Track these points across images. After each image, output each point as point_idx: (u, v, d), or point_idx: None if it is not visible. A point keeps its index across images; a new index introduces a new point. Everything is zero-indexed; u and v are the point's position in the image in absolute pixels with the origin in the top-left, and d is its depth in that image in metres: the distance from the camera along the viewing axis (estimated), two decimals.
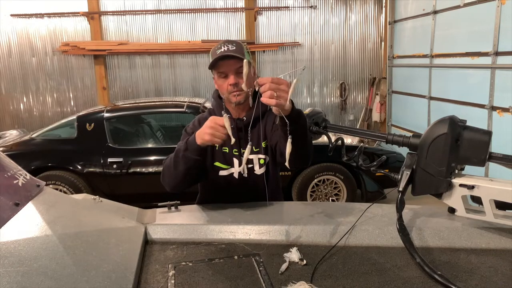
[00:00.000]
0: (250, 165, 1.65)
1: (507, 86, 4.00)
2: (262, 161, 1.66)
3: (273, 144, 1.61)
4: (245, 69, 1.19)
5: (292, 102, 1.25)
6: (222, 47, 1.53)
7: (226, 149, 1.64)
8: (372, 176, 4.37)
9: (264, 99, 1.16)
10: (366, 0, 7.37)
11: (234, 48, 1.53)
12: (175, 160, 1.50)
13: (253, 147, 1.63)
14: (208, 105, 4.63)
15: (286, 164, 1.24)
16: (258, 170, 1.65)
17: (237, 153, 1.63)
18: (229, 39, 1.67)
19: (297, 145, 1.29)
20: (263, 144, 1.65)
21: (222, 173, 1.66)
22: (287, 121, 1.22)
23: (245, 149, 1.28)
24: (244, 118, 1.63)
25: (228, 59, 1.52)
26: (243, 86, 1.24)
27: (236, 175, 1.65)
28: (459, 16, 4.81)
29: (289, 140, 1.20)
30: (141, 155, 4.40)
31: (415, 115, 6.04)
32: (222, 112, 1.31)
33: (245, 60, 1.20)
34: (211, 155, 1.66)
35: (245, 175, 1.63)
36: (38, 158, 4.42)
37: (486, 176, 3.17)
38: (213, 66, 1.56)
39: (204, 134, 1.37)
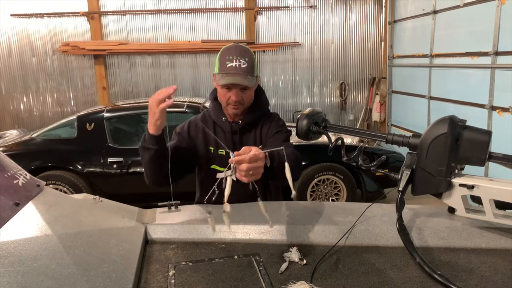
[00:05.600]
0: None
1: (507, 86, 4.00)
2: None
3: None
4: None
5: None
6: (234, 60, 1.49)
7: (222, 152, 1.64)
8: (372, 176, 4.36)
9: (239, 175, 1.16)
10: (366, 0, 7.37)
11: (246, 65, 1.49)
12: (141, 154, 1.49)
13: None
14: (208, 105, 4.63)
15: None
16: None
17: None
18: (241, 46, 1.60)
19: (280, 177, 1.27)
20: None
21: (220, 175, 1.65)
22: (258, 192, 1.19)
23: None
24: (240, 121, 1.63)
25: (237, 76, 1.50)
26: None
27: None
28: (459, 16, 4.81)
29: (264, 212, 1.16)
30: None
31: (415, 115, 6.04)
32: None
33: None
34: (207, 158, 1.65)
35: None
36: (38, 158, 4.41)
37: (486, 176, 3.16)
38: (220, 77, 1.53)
39: (153, 115, 1.33)
